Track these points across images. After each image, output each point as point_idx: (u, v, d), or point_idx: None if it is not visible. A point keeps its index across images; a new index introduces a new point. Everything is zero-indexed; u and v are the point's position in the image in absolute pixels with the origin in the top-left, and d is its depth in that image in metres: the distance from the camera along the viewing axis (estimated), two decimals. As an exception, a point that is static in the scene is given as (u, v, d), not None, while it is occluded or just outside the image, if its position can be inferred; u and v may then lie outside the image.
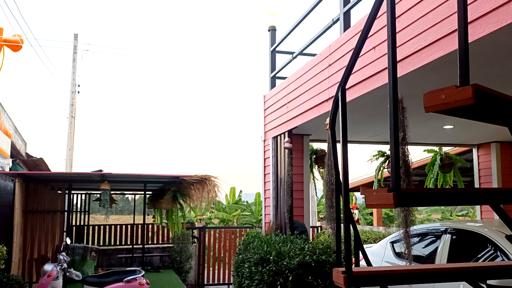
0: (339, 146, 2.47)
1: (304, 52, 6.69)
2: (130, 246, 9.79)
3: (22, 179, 6.98)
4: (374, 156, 7.06)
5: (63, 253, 5.86)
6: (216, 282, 10.28)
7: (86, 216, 10.40)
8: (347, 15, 5.26)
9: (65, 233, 9.14)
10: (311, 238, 8.55)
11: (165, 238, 10.26)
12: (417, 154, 10.32)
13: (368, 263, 2.69)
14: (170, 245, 9.90)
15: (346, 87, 2.34)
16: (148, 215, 11.03)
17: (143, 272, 6.17)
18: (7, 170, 8.13)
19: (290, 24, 6.86)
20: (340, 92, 2.31)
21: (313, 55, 6.40)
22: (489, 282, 3.53)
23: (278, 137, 7.26)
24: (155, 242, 10.21)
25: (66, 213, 9.06)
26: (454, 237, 4.52)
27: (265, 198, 8.00)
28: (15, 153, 9.44)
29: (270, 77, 7.81)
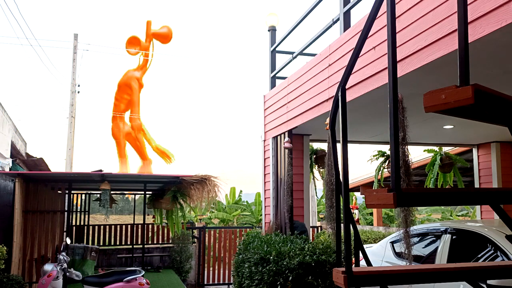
0: (339, 146, 2.48)
1: (304, 52, 6.69)
2: (130, 246, 9.79)
3: (22, 179, 6.98)
4: (374, 156, 7.06)
5: (63, 253, 5.86)
6: (216, 282, 10.28)
7: (86, 216, 10.40)
8: (347, 15, 5.26)
9: (65, 233, 9.14)
10: (311, 238, 8.55)
11: (165, 238, 10.26)
12: (417, 154, 10.32)
13: (368, 263, 2.69)
14: (170, 245, 9.90)
15: (346, 87, 2.34)
16: (148, 215, 11.04)
17: (143, 272, 6.17)
18: (7, 170, 8.13)
19: (290, 24, 6.86)
20: (340, 92, 2.31)
21: (313, 55, 6.41)
22: (489, 282, 3.53)
23: (278, 137, 7.26)
24: (155, 242, 10.21)
25: (66, 213, 9.06)
26: (454, 237, 4.52)
27: (265, 198, 8.00)
28: (15, 153, 9.44)
29: (270, 77, 7.81)
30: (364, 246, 4.17)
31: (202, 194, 7.54)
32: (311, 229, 10.32)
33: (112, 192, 8.54)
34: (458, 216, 23.28)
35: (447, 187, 7.60)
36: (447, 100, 1.56)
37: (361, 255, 2.48)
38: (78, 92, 17.89)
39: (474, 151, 8.34)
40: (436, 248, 4.64)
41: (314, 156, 7.67)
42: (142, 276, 6.10)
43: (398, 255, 5.22)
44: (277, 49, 7.67)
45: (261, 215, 19.54)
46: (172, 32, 11.64)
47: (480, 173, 8.21)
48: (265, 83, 8.02)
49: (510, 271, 2.21)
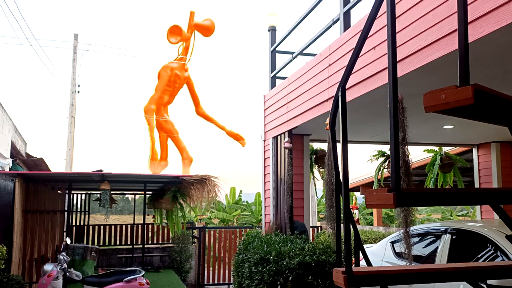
0: (339, 146, 2.48)
1: (304, 52, 6.69)
2: (130, 246, 9.79)
3: (22, 179, 6.98)
4: (374, 156, 7.06)
5: (63, 253, 5.86)
6: (216, 282, 10.28)
7: (86, 216, 10.40)
8: (347, 15, 5.26)
9: (65, 233, 9.13)
10: (311, 238, 8.55)
11: (165, 238, 10.26)
12: (417, 154, 10.32)
13: (368, 263, 2.68)
14: (170, 245, 9.90)
15: (346, 87, 2.34)
16: (148, 215, 11.03)
17: (143, 272, 6.17)
18: (7, 170, 8.13)
19: (290, 24, 6.86)
20: (340, 92, 2.31)
21: (313, 55, 6.41)
22: (489, 282, 3.53)
23: (278, 137, 7.26)
24: (155, 242, 10.21)
25: (66, 213, 9.06)
26: (454, 237, 4.52)
27: (265, 198, 8.00)
28: (15, 153, 9.44)
29: (270, 77, 7.81)
30: (364, 246, 4.17)
31: (202, 194, 7.54)
32: (311, 229, 10.32)
33: (112, 192, 8.54)
34: (458, 216, 23.28)
35: (447, 187, 7.60)
36: (447, 100, 1.56)
37: (361, 255, 2.48)
38: (78, 92, 17.89)
39: (474, 151, 8.34)
40: (436, 248, 4.64)
41: (314, 156, 7.67)
42: (142, 276, 6.10)
43: (398, 255, 5.22)
44: (277, 49, 7.67)
45: (261, 215, 19.54)
46: (214, 25, 11.47)
47: (480, 173, 8.21)
48: (265, 83, 8.03)
49: (510, 271, 2.21)
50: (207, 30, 11.48)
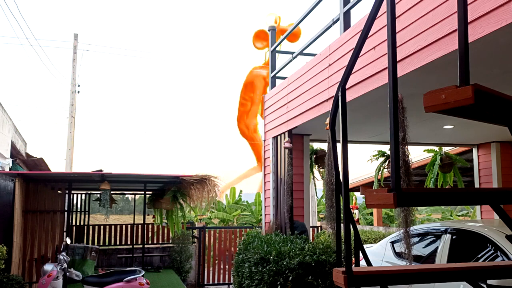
0: (339, 146, 2.48)
1: (304, 52, 6.70)
2: (130, 246, 9.79)
3: (22, 179, 6.98)
4: (374, 156, 7.05)
5: (63, 253, 5.86)
6: (216, 282, 10.28)
7: (86, 216, 10.40)
8: (347, 15, 5.26)
9: (65, 233, 9.14)
10: (311, 238, 8.55)
11: (165, 238, 10.26)
12: (417, 154, 10.32)
13: (368, 263, 2.68)
14: (170, 245, 9.90)
15: (346, 87, 2.34)
16: (148, 215, 11.03)
17: (143, 272, 6.17)
18: (7, 170, 8.13)
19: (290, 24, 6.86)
20: (340, 92, 2.31)
21: (313, 55, 6.41)
22: (489, 282, 3.53)
23: (278, 137, 7.26)
24: (155, 242, 10.21)
25: (66, 213, 9.06)
26: (454, 237, 4.53)
27: (265, 198, 8.00)
28: (15, 153, 9.44)
29: (270, 77, 7.82)
30: (364, 246, 4.17)
31: (202, 194, 7.55)
32: (311, 229, 10.32)
33: (112, 192, 8.54)
34: (458, 216, 23.27)
35: (447, 187, 7.60)
36: (447, 100, 1.56)
37: (361, 255, 2.48)
38: (78, 92, 17.91)
39: (474, 151, 8.34)
40: (436, 248, 4.64)
41: (314, 156, 7.67)
42: (142, 276, 6.10)
43: (398, 255, 5.22)
44: (277, 49, 7.67)
45: (261, 215, 19.53)
46: (300, 30, 11.47)
47: (480, 173, 8.21)
48: (265, 83, 8.03)
49: (510, 271, 2.21)
50: (293, 35, 11.49)
